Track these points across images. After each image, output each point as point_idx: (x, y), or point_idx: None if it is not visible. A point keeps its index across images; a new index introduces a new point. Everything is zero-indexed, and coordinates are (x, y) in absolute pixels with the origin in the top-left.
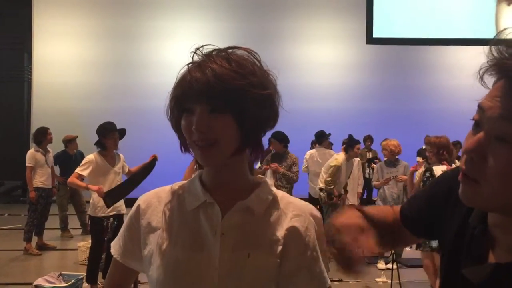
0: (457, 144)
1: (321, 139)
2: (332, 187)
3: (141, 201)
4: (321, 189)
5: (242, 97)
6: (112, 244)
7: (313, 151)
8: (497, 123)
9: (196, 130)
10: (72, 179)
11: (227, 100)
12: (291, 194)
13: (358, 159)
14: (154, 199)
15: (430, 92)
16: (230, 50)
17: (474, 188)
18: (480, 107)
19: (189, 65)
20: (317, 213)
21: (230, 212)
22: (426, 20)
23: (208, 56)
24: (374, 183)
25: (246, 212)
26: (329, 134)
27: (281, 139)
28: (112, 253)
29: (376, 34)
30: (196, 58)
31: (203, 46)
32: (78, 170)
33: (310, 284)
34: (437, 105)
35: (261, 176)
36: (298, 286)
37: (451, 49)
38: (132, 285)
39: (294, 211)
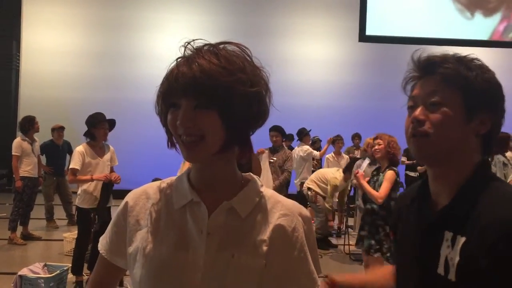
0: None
1: (300, 135)
2: (330, 205)
3: (129, 198)
4: (309, 188)
5: (228, 93)
6: (100, 239)
7: (296, 148)
8: (427, 97)
9: (181, 124)
10: (72, 177)
11: (213, 96)
12: (286, 186)
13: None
14: (142, 196)
15: None
16: (221, 46)
17: (425, 139)
18: (413, 97)
19: (178, 60)
20: (306, 212)
21: (216, 211)
22: (419, 19)
23: (198, 51)
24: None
25: (232, 212)
26: (310, 130)
27: (284, 134)
28: (99, 249)
29: (369, 32)
30: (186, 52)
31: (193, 40)
32: (72, 165)
33: (299, 286)
34: None
35: (251, 174)
36: (286, 287)
37: (443, 49)
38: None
39: (281, 210)
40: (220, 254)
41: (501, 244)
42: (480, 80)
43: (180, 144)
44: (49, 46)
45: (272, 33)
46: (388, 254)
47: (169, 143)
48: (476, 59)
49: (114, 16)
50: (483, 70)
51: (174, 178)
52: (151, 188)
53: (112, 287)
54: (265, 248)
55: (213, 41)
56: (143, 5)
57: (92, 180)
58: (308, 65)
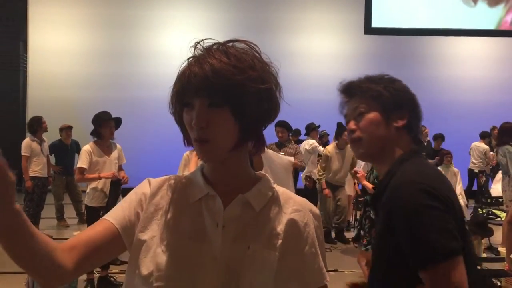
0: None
1: (308, 130)
2: (322, 176)
3: (152, 184)
4: (307, 177)
5: (240, 91)
6: (111, 213)
7: (303, 142)
8: (353, 112)
9: (195, 124)
10: (80, 176)
11: (225, 95)
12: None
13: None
14: (163, 186)
15: (428, 83)
16: (230, 44)
17: (359, 143)
18: (345, 115)
19: (189, 60)
20: (316, 210)
21: (231, 204)
22: (425, 10)
23: (208, 50)
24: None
25: (246, 205)
26: (318, 126)
27: (289, 128)
28: (105, 217)
29: (375, 24)
30: (196, 52)
31: (203, 40)
32: (79, 164)
33: (309, 279)
34: (436, 96)
35: (261, 172)
36: (297, 280)
37: (450, 40)
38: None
39: (294, 206)
40: (236, 246)
41: (386, 218)
42: (389, 88)
43: (195, 143)
44: (56, 47)
45: (278, 28)
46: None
47: (186, 141)
48: (385, 75)
49: (119, 15)
50: (390, 81)
51: (189, 173)
52: (171, 180)
53: (99, 254)
54: (279, 241)
55: (219, 38)
56: (148, 3)
57: (99, 178)
58: (314, 59)
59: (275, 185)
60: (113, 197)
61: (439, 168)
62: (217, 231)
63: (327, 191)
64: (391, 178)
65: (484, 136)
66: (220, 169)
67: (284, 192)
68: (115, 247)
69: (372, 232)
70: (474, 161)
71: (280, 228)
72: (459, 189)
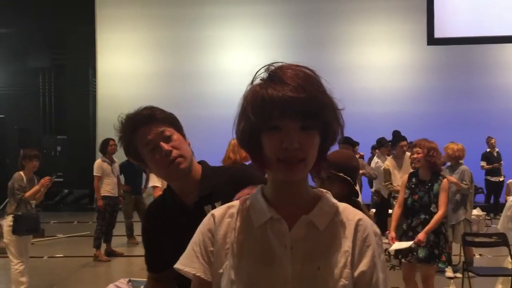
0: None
1: (379, 144)
2: (391, 186)
3: (216, 217)
4: (375, 191)
5: (328, 114)
6: (185, 262)
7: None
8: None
9: (289, 146)
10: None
11: (318, 118)
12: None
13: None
14: (226, 214)
15: (494, 92)
16: (300, 67)
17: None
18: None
19: (259, 82)
20: (376, 228)
21: (296, 226)
22: (488, 17)
23: (285, 72)
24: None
25: (311, 225)
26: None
27: (353, 144)
28: (195, 273)
29: (437, 34)
30: (264, 73)
31: (273, 64)
32: (151, 183)
33: None
34: (504, 105)
35: (321, 189)
36: None
37: None
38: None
39: (355, 221)
40: (306, 267)
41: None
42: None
43: (279, 164)
44: (122, 71)
45: (339, 41)
46: (445, 262)
47: (260, 164)
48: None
49: (180, 38)
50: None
51: (247, 197)
52: (233, 207)
53: None
54: (348, 257)
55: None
56: (206, 25)
57: None
58: (375, 72)
59: (335, 201)
60: None
61: None
62: (286, 253)
63: None
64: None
65: None
66: (288, 190)
67: (346, 208)
68: None
69: (446, 247)
70: None
71: (348, 245)
72: None
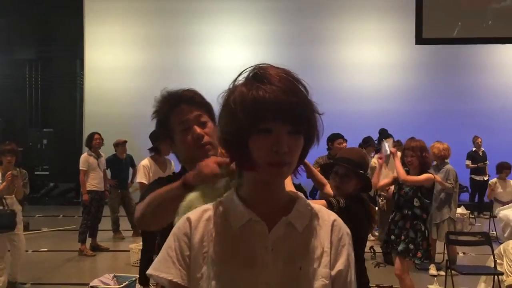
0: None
1: (365, 144)
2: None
3: (192, 221)
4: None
5: (312, 119)
6: (158, 267)
7: None
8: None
9: (279, 150)
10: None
11: (306, 122)
12: None
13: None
14: (203, 218)
15: (481, 91)
16: (285, 70)
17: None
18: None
19: (254, 83)
20: (346, 226)
21: (276, 227)
22: (477, 18)
23: (273, 74)
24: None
25: (290, 226)
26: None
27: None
28: (172, 279)
29: (426, 33)
30: (249, 74)
31: (259, 65)
32: (139, 179)
33: None
34: (490, 105)
35: (295, 191)
36: None
37: (504, 47)
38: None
39: (330, 222)
40: (287, 267)
41: None
42: None
43: (269, 168)
44: (111, 64)
45: (327, 38)
46: (421, 258)
47: (245, 166)
48: None
49: (169, 31)
50: None
51: (222, 199)
52: (209, 210)
53: None
54: (327, 257)
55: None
56: (196, 20)
57: None
58: (364, 70)
59: (311, 203)
60: None
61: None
62: (267, 255)
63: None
64: None
65: None
66: (268, 190)
67: (320, 209)
68: None
69: (423, 244)
70: None
71: (326, 245)
72: None
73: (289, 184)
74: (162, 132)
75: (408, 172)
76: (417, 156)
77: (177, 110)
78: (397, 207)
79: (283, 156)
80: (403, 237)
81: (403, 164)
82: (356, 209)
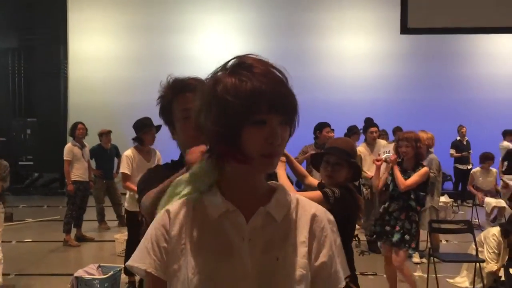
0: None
1: (350, 132)
2: (362, 176)
3: (171, 213)
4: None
5: (297, 109)
6: (138, 258)
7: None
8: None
9: (275, 141)
10: (127, 183)
11: (294, 113)
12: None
13: (383, 142)
14: (182, 210)
15: (466, 81)
16: (268, 61)
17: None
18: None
19: (243, 73)
20: (330, 214)
21: (253, 217)
22: (463, 8)
23: (259, 65)
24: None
25: (268, 216)
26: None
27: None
28: (146, 268)
29: (411, 22)
30: (234, 64)
31: (243, 55)
32: (121, 170)
33: (326, 283)
34: (474, 95)
35: (274, 182)
36: (317, 285)
37: (489, 37)
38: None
39: (311, 212)
40: (264, 257)
41: None
42: None
43: (262, 159)
44: (95, 52)
45: (311, 28)
46: (415, 248)
47: (237, 158)
48: None
49: (155, 20)
50: None
51: (203, 190)
52: (188, 202)
53: None
54: (306, 248)
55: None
56: (181, 8)
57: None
58: (349, 59)
59: (291, 193)
60: None
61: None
62: (244, 245)
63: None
64: None
65: None
66: (248, 181)
67: (301, 200)
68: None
69: (417, 235)
70: None
71: (304, 235)
72: None
73: (283, 177)
74: (164, 118)
75: (402, 162)
76: (412, 146)
77: (181, 97)
78: (391, 198)
79: (276, 147)
80: (398, 227)
81: (397, 154)
82: (349, 199)
